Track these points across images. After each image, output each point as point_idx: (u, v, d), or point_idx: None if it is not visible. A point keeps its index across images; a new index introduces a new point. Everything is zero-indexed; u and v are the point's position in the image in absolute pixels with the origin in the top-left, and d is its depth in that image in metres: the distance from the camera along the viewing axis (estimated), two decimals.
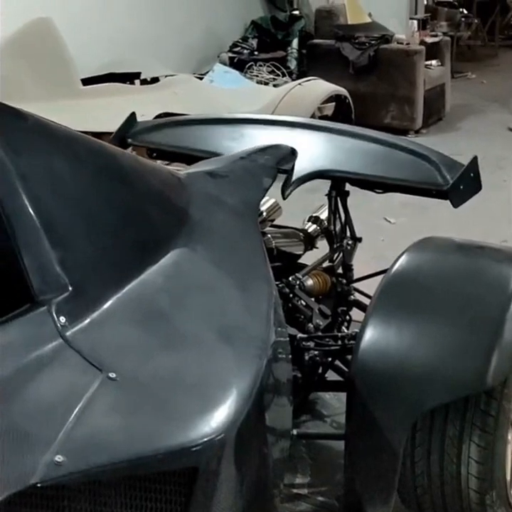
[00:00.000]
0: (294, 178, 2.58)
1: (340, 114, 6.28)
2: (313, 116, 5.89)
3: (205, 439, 1.54)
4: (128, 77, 5.90)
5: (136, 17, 6.76)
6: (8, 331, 1.57)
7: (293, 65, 8.49)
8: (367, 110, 6.82)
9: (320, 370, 2.37)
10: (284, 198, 2.55)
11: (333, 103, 6.29)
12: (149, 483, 1.50)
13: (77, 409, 1.48)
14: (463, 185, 2.47)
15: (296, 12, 9.07)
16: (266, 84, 7.46)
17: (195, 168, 2.51)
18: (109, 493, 1.47)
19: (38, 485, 1.35)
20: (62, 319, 1.61)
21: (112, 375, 1.56)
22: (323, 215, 2.82)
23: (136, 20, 6.76)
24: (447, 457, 2.05)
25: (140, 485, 1.50)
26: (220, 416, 1.59)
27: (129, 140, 2.89)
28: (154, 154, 3.00)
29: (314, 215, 2.85)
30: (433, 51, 7.52)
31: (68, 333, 1.60)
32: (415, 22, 7.50)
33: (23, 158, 1.70)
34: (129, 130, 2.92)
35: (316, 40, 7.55)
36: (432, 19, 9.32)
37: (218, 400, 1.63)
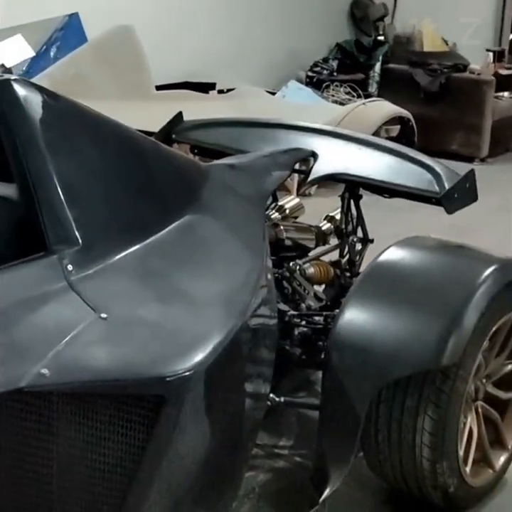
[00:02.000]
0: (310, 177, 2.88)
1: (403, 136, 6.50)
2: (378, 136, 6.14)
3: (175, 373, 1.84)
4: (203, 88, 6.28)
5: (218, 31, 7.12)
6: (22, 271, 1.90)
7: (373, 88, 8.75)
8: (435, 135, 7.04)
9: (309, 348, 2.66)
10: (298, 194, 2.84)
11: (399, 126, 6.53)
12: (123, 404, 1.80)
13: (68, 337, 1.79)
14: (457, 194, 2.72)
15: (381, 38, 9.34)
16: (341, 104, 7.74)
17: (220, 160, 2.84)
18: (87, 407, 1.78)
19: (25, 389, 1.67)
20: (70, 267, 1.93)
21: (104, 315, 1.87)
22: (338, 215, 3.10)
23: (219, 34, 7.12)
24: (404, 427, 2.30)
25: (115, 405, 1.80)
26: (191, 357, 1.89)
27: (174, 136, 3.24)
28: (196, 151, 3.34)
29: (330, 214, 3.13)
30: (507, 83, 7.69)
31: (72, 278, 1.92)
32: (491, 54, 7.68)
33: (51, 131, 2.04)
34: (175, 127, 3.27)
35: (390, 65, 7.81)
36: None
37: (192, 344, 1.93)
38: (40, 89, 2.11)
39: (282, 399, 2.54)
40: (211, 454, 2.05)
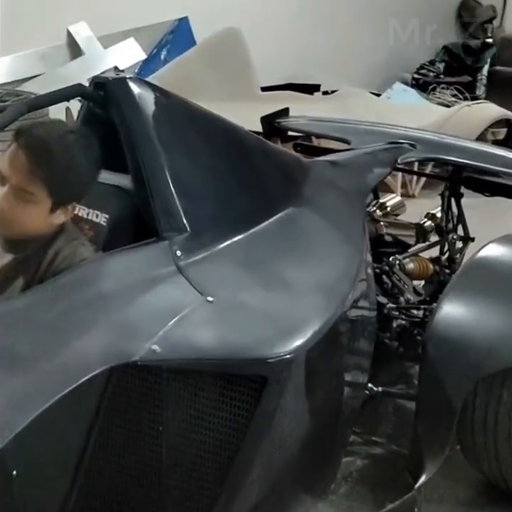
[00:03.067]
0: (411, 158, 2.94)
1: (511, 139, 6.44)
2: (484, 140, 6.12)
3: (277, 355, 1.94)
4: (308, 89, 6.37)
5: (323, 33, 7.21)
6: (135, 255, 2.03)
7: (481, 91, 8.69)
8: None
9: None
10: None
11: (506, 128, 6.47)
12: (227, 383, 1.90)
13: (177, 317, 1.91)
14: None
15: (490, 40, 9.25)
16: (447, 106, 7.72)
17: (322, 157, 2.93)
18: (193, 384, 1.89)
19: (138, 363, 1.78)
20: (179, 252, 2.06)
21: (210, 299, 1.98)
22: (439, 213, 3.15)
23: (323, 35, 7.20)
24: (501, 419, 2.34)
25: (220, 383, 1.91)
26: (292, 341, 1.99)
27: (276, 124, 3.35)
28: (298, 148, 3.44)
29: (431, 212, 3.18)
30: None
31: (181, 263, 2.04)
32: None
33: (164, 126, 2.17)
34: (280, 118, 3.38)
35: (497, 67, 7.74)
36: None
37: (293, 329, 2.03)
38: (154, 87, 2.25)
39: (380, 389, 2.60)
40: (310, 436, 2.14)
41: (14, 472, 1.60)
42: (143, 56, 6.19)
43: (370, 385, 2.55)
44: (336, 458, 2.35)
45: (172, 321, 1.89)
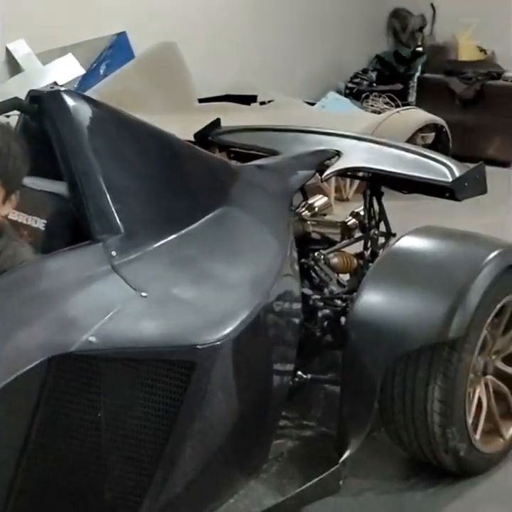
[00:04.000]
0: (329, 171, 3.14)
1: (438, 143, 6.70)
2: (414, 143, 6.36)
3: (205, 342, 2.11)
4: (245, 100, 6.56)
5: (259, 45, 7.40)
6: (72, 256, 2.19)
7: (413, 97, 8.96)
8: (471, 141, 7.22)
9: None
10: (322, 181, 3.11)
11: (434, 133, 6.74)
12: (159, 369, 2.06)
13: (112, 311, 2.07)
14: (467, 183, 2.97)
15: (420, 48, 9.55)
16: (379, 113, 7.97)
17: (251, 162, 3.12)
18: (128, 371, 2.05)
19: (75, 353, 1.93)
20: (113, 253, 2.22)
21: (144, 294, 2.15)
22: (363, 211, 3.35)
23: (259, 47, 7.39)
24: (417, 396, 2.54)
25: (152, 370, 2.06)
26: (220, 329, 2.17)
27: (210, 138, 3.53)
28: (232, 155, 3.62)
29: (356, 210, 3.38)
30: None
31: (116, 263, 2.20)
32: None
33: (96, 135, 2.34)
34: (212, 131, 3.56)
35: (426, 75, 8.03)
36: None
37: (221, 319, 2.21)
38: (87, 99, 2.42)
39: (309, 376, 2.79)
40: (239, 418, 2.31)
41: None
42: (81, 71, 6.31)
43: (299, 372, 2.74)
44: (266, 439, 2.52)
45: (108, 315, 2.05)
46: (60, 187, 2.33)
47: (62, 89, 2.38)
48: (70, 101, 2.33)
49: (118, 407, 2.02)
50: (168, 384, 2.08)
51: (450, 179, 2.97)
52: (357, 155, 3.19)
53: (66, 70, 6.25)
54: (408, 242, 2.73)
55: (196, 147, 2.81)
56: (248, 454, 2.47)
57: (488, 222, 5.10)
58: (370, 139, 3.43)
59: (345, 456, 2.42)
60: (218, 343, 2.15)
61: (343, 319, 2.83)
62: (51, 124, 2.31)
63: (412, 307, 2.54)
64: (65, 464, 1.99)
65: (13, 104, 2.36)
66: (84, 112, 2.35)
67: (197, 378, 2.11)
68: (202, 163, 2.70)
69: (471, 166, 3.06)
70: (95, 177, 2.29)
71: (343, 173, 3.22)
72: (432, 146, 6.58)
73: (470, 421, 2.60)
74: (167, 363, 2.07)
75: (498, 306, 2.62)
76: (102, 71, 6.60)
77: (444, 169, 3.02)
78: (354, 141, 3.35)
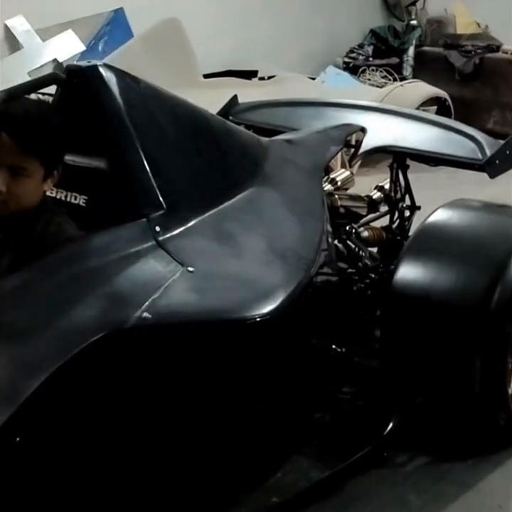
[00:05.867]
0: (361, 150, 3.13)
1: (441, 116, 6.69)
2: None
3: (253, 317, 2.11)
4: (246, 75, 6.53)
5: (258, 21, 7.36)
6: (116, 233, 2.16)
7: (408, 71, 8.90)
8: (471, 115, 7.18)
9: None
10: (350, 166, 3.10)
11: (436, 106, 6.73)
12: (213, 343, 2.06)
13: (163, 287, 2.06)
14: (498, 160, 2.96)
15: (414, 22, 9.51)
16: (378, 87, 7.94)
17: (278, 136, 3.10)
18: (183, 346, 2.03)
19: (131, 329, 1.92)
20: (157, 228, 2.20)
21: (191, 269, 2.14)
22: (387, 185, 3.34)
23: (259, 24, 7.36)
24: (458, 369, 2.54)
25: (206, 344, 2.05)
26: (266, 304, 2.16)
27: (231, 117, 3.49)
28: (251, 130, 3.58)
29: (380, 184, 3.36)
30: None
31: (160, 238, 2.18)
32: None
33: (135, 110, 2.30)
34: (231, 109, 3.53)
35: (425, 48, 8.00)
36: None
37: (267, 293, 2.20)
38: (124, 73, 2.38)
39: (344, 349, 2.78)
40: (284, 391, 2.31)
41: (18, 438, 1.74)
42: (82, 48, 6.24)
43: (333, 346, 2.74)
44: (307, 412, 2.53)
45: (158, 290, 2.04)
46: (100, 162, 2.30)
47: (100, 63, 2.35)
48: (109, 75, 2.30)
49: (174, 379, 2.02)
50: (218, 356, 2.08)
51: (480, 156, 2.96)
52: (383, 131, 3.18)
53: (66, 47, 6.18)
54: (444, 215, 2.73)
55: (229, 123, 2.79)
56: (290, 428, 2.47)
57: (491, 193, 5.08)
58: (392, 111, 3.41)
59: (388, 428, 2.42)
60: (267, 317, 2.14)
61: (378, 292, 2.82)
62: (92, 99, 2.27)
63: (453, 280, 2.54)
64: (135, 438, 1.98)
65: (52, 78, 2.32)
66: (123, 87, 2.32)
67: (244, 350, 2.11)
68: (236, 139, 2.68)
69: (501, 141, 3.05)
70: (137, 152, 2.26)
71: (375, 152, 3.20)
72: None
73: (510, 391, 2.62)
74: (217, 337, 2.07)
75: None
76: (100, 48, 6.54)
77: (473, 145, 3.01)
78: (377, 115, 3.33)
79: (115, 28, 6.62)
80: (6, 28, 6.05)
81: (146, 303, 1.99)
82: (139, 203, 2.23)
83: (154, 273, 2.11)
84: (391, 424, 2.45)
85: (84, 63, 2.34)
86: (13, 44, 6.09)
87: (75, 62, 2.38)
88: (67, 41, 6.19)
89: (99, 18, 6.53)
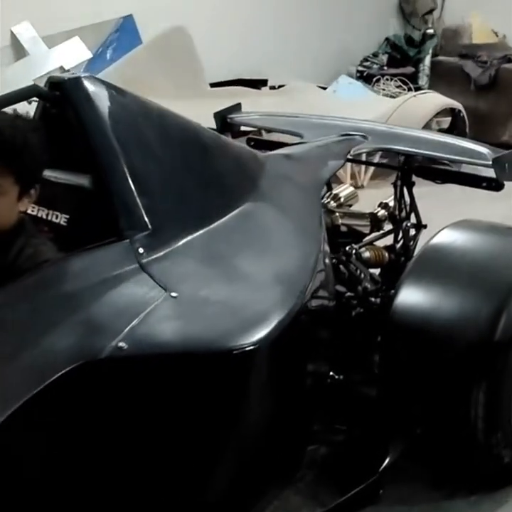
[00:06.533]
0: (364, 149, 2.99)
1: (455, 128, 6.56)
2: (429, 128, 6.21)
3: (241, 347, 1.97)
4: (255, 84, 6.42)
5: (270, 29, 7.26)
6: (97, 254, 2.04)
7: (424, 81, 8.78)
8: (486, 127, 7.06)
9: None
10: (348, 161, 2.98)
11: (450, 118, 6.59)
12: (194, 375, 1.92)
13: (142, 314, 1.93)
14: (508, 163, 2.80)
15: (430, 31, 9.37)
16: (392, 97, 7.81)
17: (276, 151, 2.97)
18: (161, 377, 1.91)
19: (105, 360, 1.80)
20: (141, 250, 2.07)
21: (174, 294, 2.00)
22: (392, 202, 3.20)
23: (270, 31, 7.25)
24: (460, 402, 2.40)
25: (186, 375, 1.92)
26: (255, 332, 2.02)
27: (229, 119, 3.38)
28: (252, 143, 3.47)
29: (384, 201, 3.23)
30: None
31: (144, 261, 2.06)
32: None
33: (120, 124, 2.18)
34: (231, 113, 3.41)
35: (440, 58, 7.86)
36: None
37: (256, 321, 2.06)
38: (109, 85, 2.26)
39: (341, 377, 2.65)
40: (274, 423, 2.17)
41: None
42: (88, 55, 6.18)
43: (331, 373, 2.60)
44: (300, 446, 2.39)
45: (138, 318, 1.92)
46: (82, 179, 2.18)
47: (84, 75, 2.23)
48: (93, 88, 2.18)
49: (151, 414, 1.89)
50: (202, 390, 1.95)
51: (489, 161, 2.81)
52: (386, 138, 3.05)
53: (72, 54, 6.11)
54: (449, 237, 2.59)
55: (222, 136, 2.66)
56: (283, 462, 2.33)
57: (505, 211, 4.95)
58: (396, 126, 3.28)
59: (385, 463, 2.29)
60: (254, 347, 2.00)
61: (378, 318, 2.68)
62: (74, 113, 2.15)
63: (456, 307, 2.40)
64: (105, 473, 1.86)
65: (32, 91, 2.20)
66: (107, 100, 2.19)
67: (231, 383, 1.97)
68: (229, 154, 2.55)
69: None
70: (121, 169, 2.14)
71: (374, 152, 3.06)
72: (449, 131, 6.44)
73: None
74: (201, 369, 1.94)
75: None
76: (108, 55, 6.46)
77: (480, 149, 2.87)
78: (381, 127, 3.21)
79: (124, 35, 6.54)
80: (12, 35, 5.98)
81: (124, 331, 1.86)
82: (122, 222, 2.10)
83: (135, 298, 1.99)
84: (388, 459, 2.31)
85: (67, 75, 2.23)
86: (19, 51, 6.01)
87: (77, 72, 2.26)
88: (73, 48, 6.12)
89: (108, 25, 6.46)
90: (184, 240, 2.19)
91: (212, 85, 6.09)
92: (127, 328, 1.87)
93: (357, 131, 3.07)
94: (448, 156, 2.91)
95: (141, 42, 6.39)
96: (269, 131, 3.25)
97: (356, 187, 5.96)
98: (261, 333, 2.03)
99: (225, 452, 2.05)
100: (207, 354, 1.94)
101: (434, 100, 6.23)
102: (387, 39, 9.03)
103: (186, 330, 1.97)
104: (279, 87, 6.59)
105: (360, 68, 8.34)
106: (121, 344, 1.82)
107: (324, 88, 7.00)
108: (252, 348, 1.99)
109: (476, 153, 2.89)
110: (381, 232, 3.11)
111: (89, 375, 1.78)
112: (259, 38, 7.14)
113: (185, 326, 1.98)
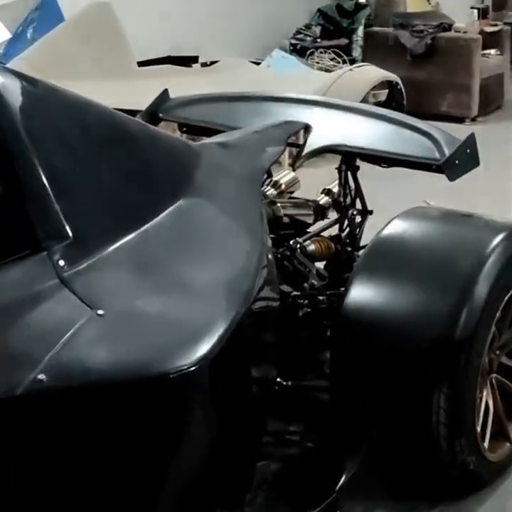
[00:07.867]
0: (305, 151, 2.78)
1: (393, 100, 6.39)
2: (366, 102, 6.04)
3: (178, 369, 1.74)
4: (186, 61, 6.16)
5: (199, 3, 6.99)
6: (10, 271, 1.80)
7: (357, 52, 8.59)
8: (424, 97, 6.93)
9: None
10: (294, 169, 2.75)
11: (387, 90, 6.42)
12: (125, 405, 1.71)
13: (64, 338, 1.70)
14: (458, 160, 2.63)
15: (362, 0, 9.18)
16: (327, 70, 7.61)
17: (210, 139, 2.73)
18: (87, 410, 1.69)
19: (22, 396, 1.58)
20: (61, 263, 1.83)
21: (100, 312, 1.77)
22: (336, 188, 3.00)
23: (200, 6, 6.99)
24: (420, 406, 2.22)
25: (116, 406, 1.71)
26: (194, 351, 1.79)
27: (161, 115, 3.12)
28: (184, 129, 3.23)
29: (327, 187, 3.03)
30: (493, 41, 7.57)
31: (65, 275, 1.82)
32: (475, 11, 7.57)
33: (34, 120, 1.93)
34: (161, 106, 3.15)
35: (374, 28, 7.69)
36: (500, 9, 9.32)
37: (195, 337, 1.83)
38: (21, 76, 2.00)
39: (290, 383, 2.45)
40: (219, 444, 1.96)
41: None
42: (7, 35, 5.84)
43: (279, 379, 2.40)
44: (249, 465, 2.19)
45: (59, 343, 1.69)
46: None
47: None
48: (1, 80, 1.91)
49: (79, 451, 1.67)
50: (136, 421, 1.73)
51: (438, 155, 2.62)
52: (330, 129, 2.83)
53: None
54: (401, 227, 2.39)
55: (150, 126, 2.41)
56: (231, 484, 2.12)
57: (447, 185, 4.80)
58: (340, 105, 3.06)
59: (341, 481, 2.10)
60: (194, 367, 1.78)
61: (326, 317, 2.49)
62: None
63: (411, 304, 2.22)
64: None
65: None
66: (18, 93, 1.94)
67: (169, 410, 1.76)
68: (159, 146, 2.30)
69: (459, 139, 2.72)
70: (35, 170, 1.88)
71: (322, 152, 2.83)
72: (386, 104, 6.27)
73: (479, 429, 2.30)
74: (133, 397, 1.72)
75: (507, 296, 2.30)
76: (29, 35, 6.10)
77: (430, 143, 2.67)
78: (324, 111, 2.99)
79: (45, 13, 6.19)
80: None
81: (44, 360, 1.64)
82: (38, 232, 1.85)
83: (56, 320, 1.76)
84: (345, 474, 2.12)
85: None
86: None
87: None
88: None
89: (27, 2, 6.11)
90: (111, 248, 1.95)
91: (141, 64, 5.79)
92: (47, 357, 1.65)
93: (301, 118, 2.85)
94: (396, 151, 2.70)
95: (63, 20, 6.05)
96: (206, 127, 2.99)
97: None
98: (201, 350, 1.80)
99: (167, 483, 1.83)
100: (139, 380, 1.71)
101: (370, 73, 6.05)
102: (319, 10, 8.82)
103: (115, 353, 1.74)
104: (211, 63, 6.33)
105: (293, 41, 8.11)
106: (40, 376, 1.60)
107: (258, 63, 6.77)
108: (192, 369, 1.76)
109: (425, 145, 2.68)
110: (326, 221, 2.90)
111: (6, 414, 1.57)
112: (187, 13, 6.86)
113: (114, 348, 1.75)
